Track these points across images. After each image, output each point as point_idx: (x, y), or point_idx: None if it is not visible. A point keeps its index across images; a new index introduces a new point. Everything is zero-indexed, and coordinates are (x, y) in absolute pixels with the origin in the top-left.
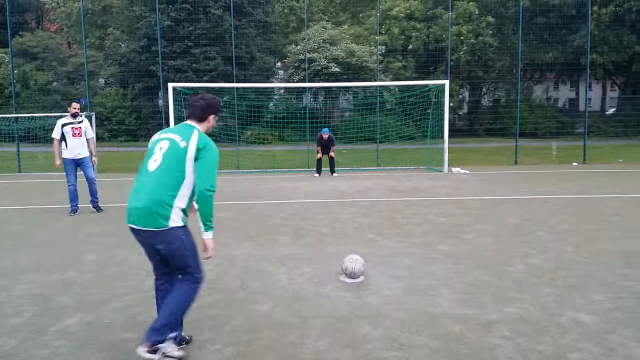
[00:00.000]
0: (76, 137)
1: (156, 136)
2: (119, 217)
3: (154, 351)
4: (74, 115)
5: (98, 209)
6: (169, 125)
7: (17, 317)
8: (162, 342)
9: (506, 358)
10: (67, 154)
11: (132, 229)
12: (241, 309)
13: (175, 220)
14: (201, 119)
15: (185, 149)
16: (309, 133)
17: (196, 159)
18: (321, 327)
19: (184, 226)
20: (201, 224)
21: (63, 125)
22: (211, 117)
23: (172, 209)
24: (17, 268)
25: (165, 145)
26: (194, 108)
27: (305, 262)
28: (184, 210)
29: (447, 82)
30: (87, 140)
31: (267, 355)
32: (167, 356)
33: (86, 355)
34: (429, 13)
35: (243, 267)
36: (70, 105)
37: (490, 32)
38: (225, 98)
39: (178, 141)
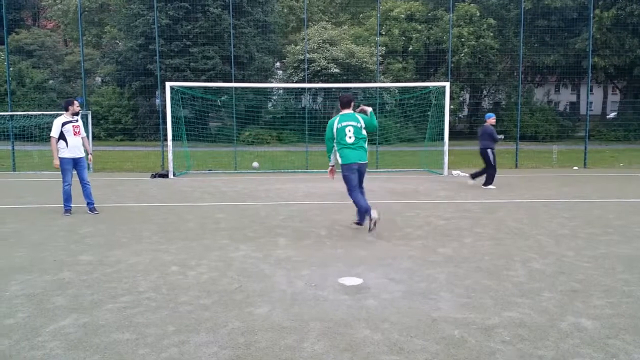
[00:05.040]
0: (77, 135)
1: (337, 124)
2: (113, 218)
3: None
4: (74, 114)
5: (94, 210)
6: (165, 125)
7: (11, 317)
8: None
9: None
10: (66, 154)
11: (354, 164)
12: (238, 312)
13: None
14: (350, 106)
15: (361, 127)
16: (307, 134)
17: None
18: (319, 331)
19: None
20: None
21: (63, 124)
22: (353, 104)
23: (366, 153)
24: (12, 268)
25: (351, 128)
26: (346, 103)
27: (304, 265)
28: None
29: (447, 84)
30: (82, 139)
31: (264, 358)
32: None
33: (81, 357)
34: (429, 14)
35: (241, 269)
36: (72, 104)
37: (492, 34)
38: (223, 98)
39: (355, 124)
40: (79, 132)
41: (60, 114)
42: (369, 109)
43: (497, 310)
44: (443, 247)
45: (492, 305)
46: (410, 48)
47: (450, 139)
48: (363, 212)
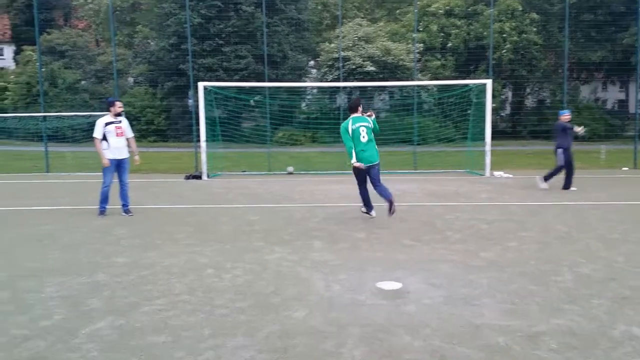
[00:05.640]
0: (119, 136)
1: (352, 126)
2: (147, 219)
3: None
4: (117, 114)
5: (128, 212)
6: (198, 126)
7: (47, 319)
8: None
9: None
10: (109, 155)
11: (366, 166)
12: (275, 315)
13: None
14: (358, 110)
15: (371, 128)
16: None
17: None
18: (358, 336)
19: None
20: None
21: (106, 124)
22: (360, 107)
23: (377, 152)
24: (46, 270)
25: (364, 128)
26: (355, 107)
27: (341, 268)
28: None
29: (488, 82)
30: (128, 139)
31: None
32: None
33: (117, 359)
34: (469, 9)
35: (276, 272)
36: (113, 104)
37: (535, 29)
38: (256, 97)
39: (367, 125)
40: (121, 133)
41: (102, 115)
42: (371, 115)
43: (543, 317)
44: (485, 251)
45: (538, 312)
46: (449, 44)
47: (492, 138)
48: (368, 205)
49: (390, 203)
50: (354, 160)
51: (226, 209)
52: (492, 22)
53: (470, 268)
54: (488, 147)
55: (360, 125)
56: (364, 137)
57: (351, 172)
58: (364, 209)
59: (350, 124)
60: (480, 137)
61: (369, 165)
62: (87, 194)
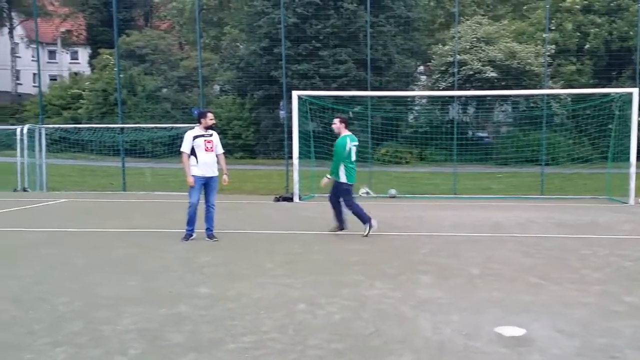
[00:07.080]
0: (209, 151)
1: (350, 144)
2: (233, 246)
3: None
4: (208, 127)
5: (212, 237)
6: (291, 141)
7: (122, 354)
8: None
9: None
10: (196, 171)
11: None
12: None
13: None
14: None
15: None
16: (456, 151)
17: None
18: None
19: None
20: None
21: (195, 138)
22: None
23: None
24: (123, 299)
25: (354, 148)
26: (348, 124)
27: (452, 309)
28: None
29: (635, 91)
30: (217, 156)
31: None
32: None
33: None
34: (611, 4)
35: (377, 310)
36: (205, 116)
37: None
38: (356, 109)
39: (357, 144)
40: (211, 148)
41: (187, 127)
42: None
43: None
44: (630, 295)
45: None
46: (587, 46)
47: (638, 159)
48: (366, 220)
49: (369, 221)
50: (332, 177)
51: (320, 237)
52: None
53: (610, 314)
54: (633, 169)
55: (354, 145)
56: (353, 156)
57: (465, 196)
58: (334, 228)
59: (348, 142)
60: (624, 157)
61: (352, 183)
62: (166, 216)
